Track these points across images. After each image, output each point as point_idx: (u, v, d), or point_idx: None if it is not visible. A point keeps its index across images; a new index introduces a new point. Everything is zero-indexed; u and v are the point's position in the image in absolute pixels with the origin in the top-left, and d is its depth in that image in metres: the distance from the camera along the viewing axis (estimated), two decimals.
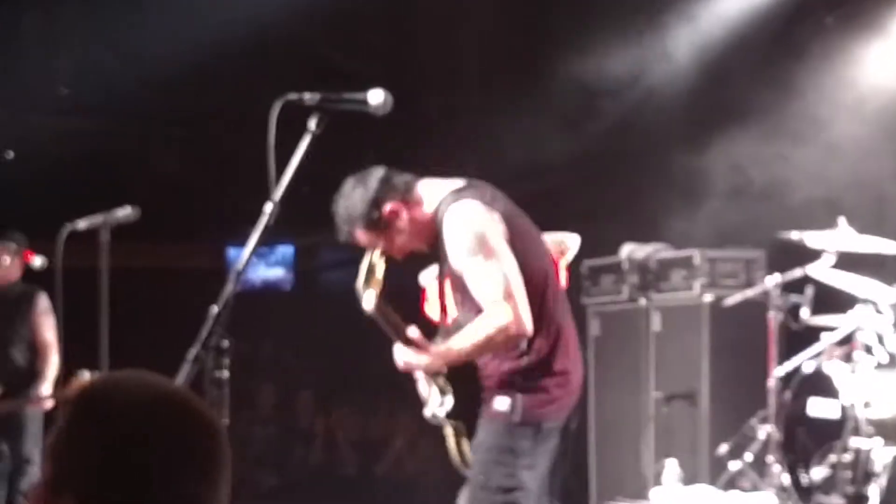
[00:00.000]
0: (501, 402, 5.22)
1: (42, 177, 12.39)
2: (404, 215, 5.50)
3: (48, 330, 9.01)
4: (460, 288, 5.33)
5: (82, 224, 7.63)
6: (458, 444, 5.65)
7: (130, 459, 2.06)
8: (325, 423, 14.58)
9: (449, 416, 5.62)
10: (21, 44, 11.81)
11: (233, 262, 8.51)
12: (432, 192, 5.47)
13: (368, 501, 13.20)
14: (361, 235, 5.63)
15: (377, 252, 5.57)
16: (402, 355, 5.55)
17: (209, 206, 14.41)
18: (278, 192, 4.33)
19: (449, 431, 5.70)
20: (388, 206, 5.50)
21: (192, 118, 13.15)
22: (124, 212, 7.17)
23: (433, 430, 13.87)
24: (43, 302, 8.98)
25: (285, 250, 17.51)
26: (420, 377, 5.74)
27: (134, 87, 11.30)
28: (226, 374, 4.24)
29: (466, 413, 5.60)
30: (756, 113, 9.77)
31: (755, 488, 8.52)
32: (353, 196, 5.65)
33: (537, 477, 5.21)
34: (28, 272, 8.96)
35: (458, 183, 5.46)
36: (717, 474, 8.91)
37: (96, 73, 11.69)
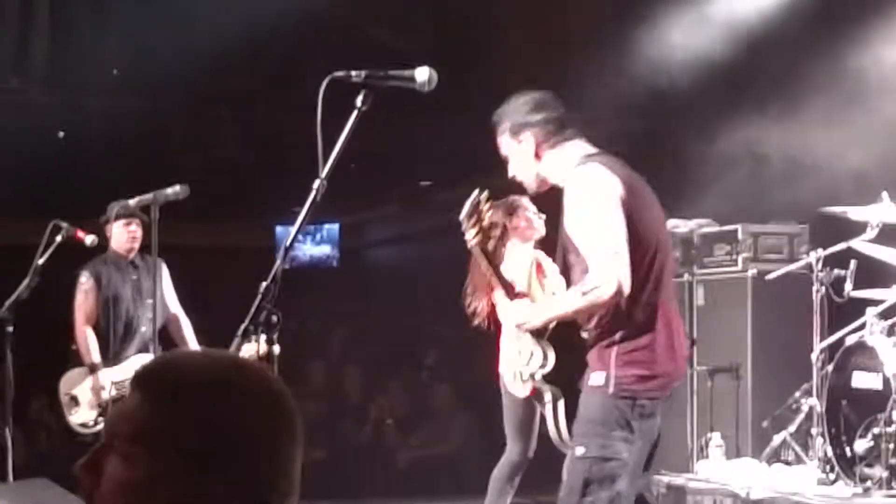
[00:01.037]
0: (598, 377, 5.22)
1: (93, 156, 12.54)
2: (544, 150, 5.49)
3: (175, 298, 9.11)
4: (573, 247, 5.33)
5: (133, 202, 7.75)
6: (555, 410, 5.70)
7: (235, 437, 2.04)
8: (373, 399, 14.68)
9: (546, 379, 5.62)
10: (72, 25, 11.94)
11: (281, 240, 8.59)
12: (572, 152, 5.47)
13: (412, 478, 13.30)
14: (505, 139, 5.62)
15: (484, 193, 5.64)
16: (509, 312, 5.58)
17: (258, 185, 14.53)
18: (326, 170, 4.38)
19: (547, 397, 5.71)
20: (538, 132, 5.49)
21: (242, 97, 13.27)
22: (174, 190, 7.29)
23: (476, 407, 13.91)
24: (166, 270, 9.02)
25: (331, 228, 17.65)
26: (511, 335, 5.71)
27: (184, 67, 11.40)
28: (276, 348, 4.31)
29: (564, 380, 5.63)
30: (801, 88, 9.79)
31: (799, 461, 8.58)
32: (526, 101, 5.62)
33: (635, 452, 5.19)
34: (99, 248, 8.88)
35: (592, 149, 5.47)
36: (760, 447, 8.97)
37: (147, 53, 11.81)
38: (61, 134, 13.38)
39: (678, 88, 10.82)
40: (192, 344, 8.92)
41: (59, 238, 7.82)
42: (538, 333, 5.60)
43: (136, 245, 8.86)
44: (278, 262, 4.34)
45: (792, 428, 8.71)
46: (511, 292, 5.66)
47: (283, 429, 2.11)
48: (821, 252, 8.65)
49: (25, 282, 7.69)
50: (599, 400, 5.22)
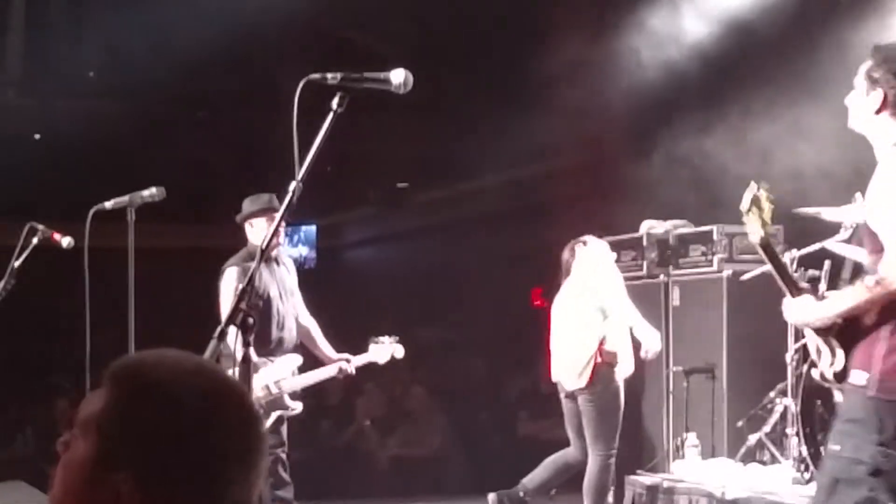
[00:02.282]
0: (859, 375, 4.98)
1: (69, 158, 12.53)
2: (884, 111, 5.26)
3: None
4: (869, 230, 5.10)
5: (108, 204, 7.75)
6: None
7: (196, 445, 2.11)
8: (357, 401, 14.70)
9: (837, 377, 5.27)
10: (48, 28, 11.93)
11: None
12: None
13: (391, 480, 13.32)
14: (863, 84, 5.43)
15: (763, 185, 5.46)
16: (792, 310, 5.36)
17: (236, 187, 14.52)
18: (302, 172, 4.40)
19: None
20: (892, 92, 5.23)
21: (219, 100, 13.28)
22: (150, 192, 7.29)
23: (454, 408, 13.88)
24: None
25: (308, 229, 17.67)
26: (809, 334, 5.44)
27: (160, 69, 11.41)
28: (251, 350, 4.31)
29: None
30: (774, 90, 9.85)
31: (774, 460, 8.63)
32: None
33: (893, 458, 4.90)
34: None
35: None
36: (736, 447, 9.01)
37: (123, 56, 11.81)
38: (37, 136, 13.37)
39: (657, 89, 10.88)
40: (325, 345, 9.21)
41: (35, 240, 7.81)
42: (825, 331, 5.27)
43: (280, 241, 9.06)
44: (254, 265, 4.33)
45: (767, 428, 8.76)
46: (796, 289, 5.36)
47: (243, 450, 2.16)
48: (795, 252, 8.71)
49: (1, 284, 7.69)
50: (859, 400, 4.98)
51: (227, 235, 16.37)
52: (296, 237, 17.88)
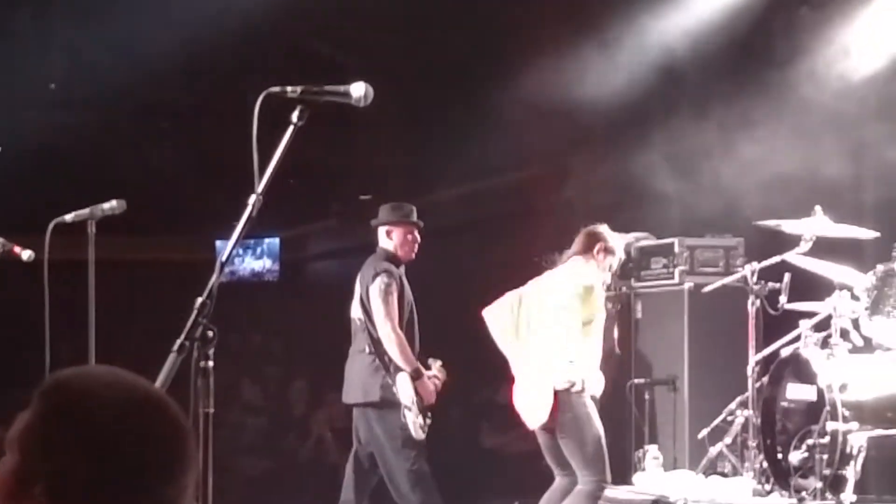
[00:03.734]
0: None
1: (31, 170, 12.46)
2: None
3: None
4: None
5: (69, 217, 7.72)
6: None
7: (108, 460, 2.14)
8: (316, 413, 14.67)
9: None
10: (10, 39, 11.88)
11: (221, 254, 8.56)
12: None
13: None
14: None
15: None
16: None
17: (198, 200, 14.49)
18: (262, 185, 4.40)
19: None
20: None
21: (181, 112, 13.24)
22: (111, 205, 7.26)
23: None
24: None
25: (271, 241, 17.64)
26: None
27: (123, 81, 11.37)
28: (210, 363, 4.29)
29: None
30: (735, 103, 9.91)
31: (735, 472, 8.66)
32: None
33: None
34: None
35: None
36: (697, 459, 9.04)
37: (86, 68, 11.76)
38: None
39: (619, 104, 10.91)
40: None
41: None
42: None
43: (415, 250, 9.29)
44: (214, 276, 4.32)
45: (728, 440, 8.79)
46: None
47: (165, 469, 2.19)
48: (755, 265, 8.76)
49: None
50: None
51: (190, 247, 16.39)
52: (259, 249, 17.85)
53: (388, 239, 9.24)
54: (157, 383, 4.11)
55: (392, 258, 9.21)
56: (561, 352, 7.88)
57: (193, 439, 2.25)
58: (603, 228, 8.28)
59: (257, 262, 17.93)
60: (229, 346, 15.35)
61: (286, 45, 11.87)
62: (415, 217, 9.28)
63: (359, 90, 4.55)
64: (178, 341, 4.19)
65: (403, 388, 8.99)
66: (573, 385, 7.88)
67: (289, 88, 4.49)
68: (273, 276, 17.90)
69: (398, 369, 9.04)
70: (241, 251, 17.78)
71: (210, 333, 4.26)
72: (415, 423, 8.99)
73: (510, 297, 8.40)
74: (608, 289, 10.28)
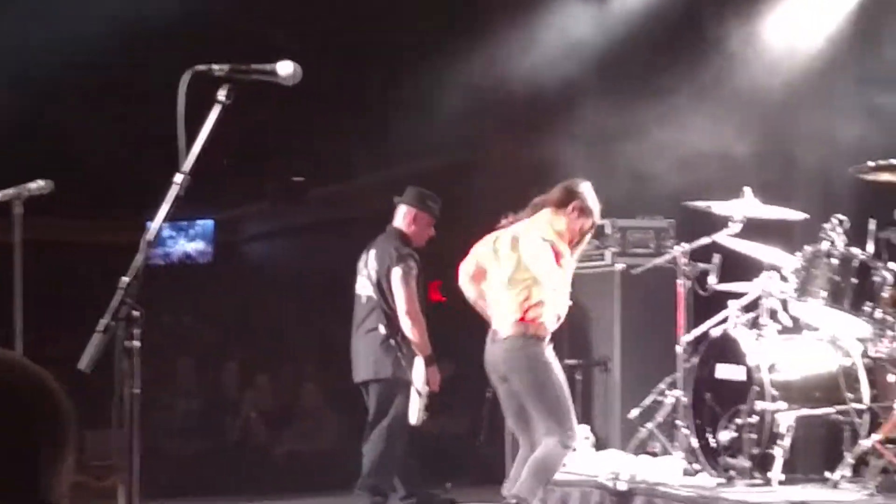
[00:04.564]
0: None
1: None
2: None
3: None
4: None
5: None
6: None
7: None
8: (246, 394, 14.64)
9: None
10: None
11: None
12: None
13: (285, 474, 13.28)
14: None
15: None
16: None
17: (130, 180, 14.39)
18: (188, 163, 4.38)
19: None
20: None
21: (110, 91, 13.12)
22: (38, 185, 7.19)
23: (347, 402, 13.88)
24: None
25: (205, 223, 17.55)
26: None
27: (51, 62, 11.25)
28: (137, 343, 4.26)
29: None
30: (665, 84, 9.95)
31: (665, 452, 8.71)
32: None
33: None
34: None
35: None
36: (628, 439, 9.08)
37: (9, 47, 11.63)
38: None
39: (547, 85, 10.93)
40: None
41: None
42: None
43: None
44: (138, 256, 4.29)
45: (658, 419, 8.84)
46: None
47: (39, 432, 2.15)
48: (686, 246, 8.81)
49: None
50: None
51: (119, 229, 16.27)
52: (192, 231, 17.76)
53: (411, 223, 9.52)
54: (82, 364, 4.08)
55: (408, 241, 9.48)
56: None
57: (73, 424, 2.21)
58: (584, 186, 7.78)
59: (191, 245, 17.85)
60: (162, 328, 15.28)
61: (217, 25, 11.78)
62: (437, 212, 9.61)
63: (286, 69, 4.54)
64: (103, 322, 4.16)
65: (418, 373, 9.15)
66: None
67: (215, 66, 4.47)
68: (207, 258, 17.82)
69: (412, 353, 9.21)
70: (174, 233, 17.69)
71: (136, 314, 4.23)
72: (420, 408, 9.14)
73: (478, 248, 7.91)
74: None
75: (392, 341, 9.27)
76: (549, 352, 7.59)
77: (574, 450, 7.71)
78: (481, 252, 7.81)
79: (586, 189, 7.74)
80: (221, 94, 4.47)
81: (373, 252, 9.55)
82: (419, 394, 9.08)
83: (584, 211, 7.67)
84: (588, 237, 7.91)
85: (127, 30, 10.87)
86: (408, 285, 9.23)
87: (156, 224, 4.54)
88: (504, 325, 7.52)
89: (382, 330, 9.30)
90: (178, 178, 4.38)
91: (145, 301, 4.25)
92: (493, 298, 7.70)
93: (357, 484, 9.55)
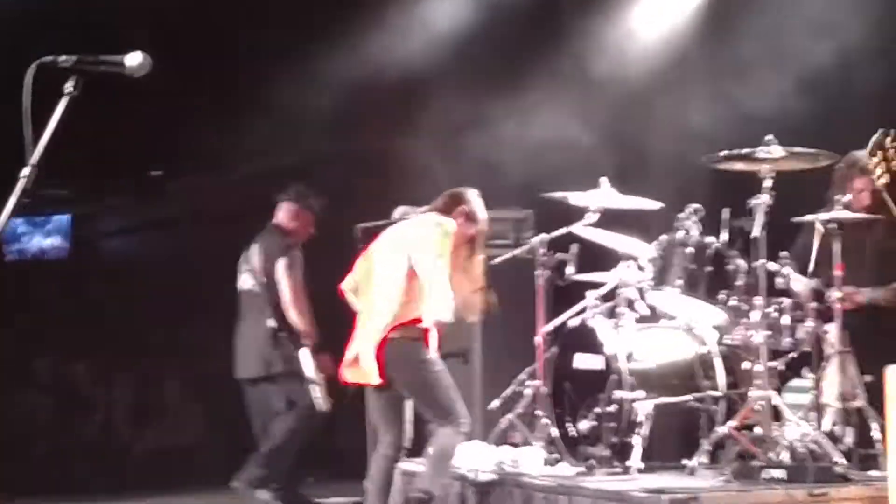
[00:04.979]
0: None
1: None
2: None
3: None
4: None
5: None
6: None
7: None
8: (103, 392, 14.45)
9: None
10: None
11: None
12: None
13: (146, 472, 13.15)
14: None
15: (891, 131, 5.31)
16: None
17: None
18: (35, 156, 4.32)
19: None
20: None
21: None
22: None
23: (209, 398, 13.74)
24: None
25: (60, 218, 17.24)
26: None
27: None
28: None
29: None
30: (521, 74, 9.99)
31: (525, 442, 8.73)
32: None
33: None
34: None
35: None
36: (489, 430, 9.09)
37: None
38: None
39: (415, 76, 10.93)
40: None
41: None
42: None
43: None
44: None
45: (518, 410, 8.86)
46: None
47: None
48: (544, 236, 8.84)
49: None
50: None
51: None
52: (48, 227, 17.44)
53: (292, 219, 9.84)
54: None
55: (289, 237, 9.78)
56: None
57: None
58: (470, 193, 7.89)
59: (46, 240, 17.53)
60: (17, 326, 15.00)
61: (69, 15, 11.59)
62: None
63: (134, 59, 4.49)
64: None
65: (307, 362, 9.33)
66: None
67: (62, 58, 4.42)
68: (62, 254, 17.53)
69: (299, 343, 9.37)
70: (30, 228, 17.38)
71: None
72: (322, 395, 9.37)
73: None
74: None
75: (282, 334, 9.35)
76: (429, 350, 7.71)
77: (466, 435, 7.82)
78: (360, 269, 7.90)
79: (472, 195, 7.89)
80: (69, 86, 4.41)
81: (255, 247, 9.68)
82: (314, 382, 9.17)
83: (470, 216, 7.84)
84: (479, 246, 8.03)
85: None
86: (293, 275, 9.44)
87: (3, 217, 4.46)
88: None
89: (271, 324, 9.39)
90: (26, 171, 4.31)
91: None
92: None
93: (238, 476, 9.53)
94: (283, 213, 9.80)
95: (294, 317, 9.40)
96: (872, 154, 5.69)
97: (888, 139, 5.64)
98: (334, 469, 11.58)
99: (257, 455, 9.61)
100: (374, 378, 7.68)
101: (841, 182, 8.10)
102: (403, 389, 7.78)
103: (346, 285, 7.98)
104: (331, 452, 12.05)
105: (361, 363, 7.69)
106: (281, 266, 9.47)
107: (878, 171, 5.63)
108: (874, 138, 5.71)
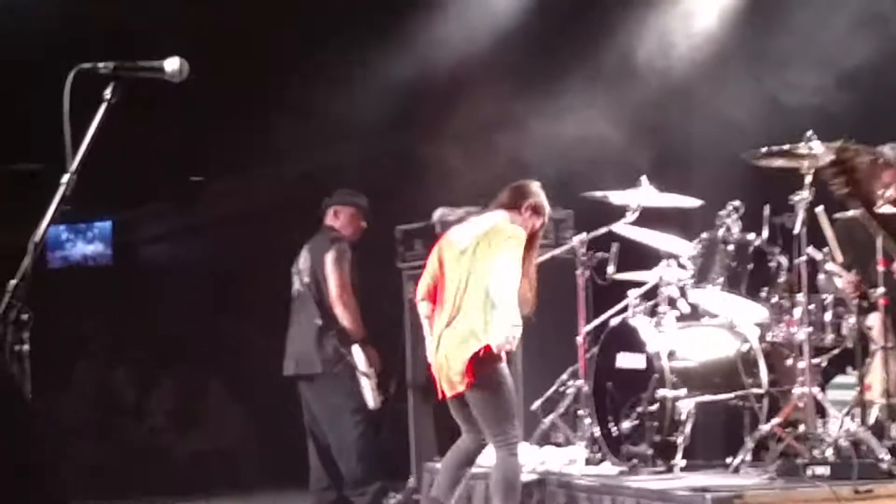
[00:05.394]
0: None
1: None
2: None
3: None
4: None
5: None
6: None
7: None
8: (146, 398, 14.52)
9: None
10: None
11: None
12: None
13: (189, 476, 13.19)
14: None
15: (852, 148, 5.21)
16: None
17: (19, 181, 14.19)
18: (75, 163, 4.33)
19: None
20: None
21: None
22: None
23: (251, 400, 13.77)
24: None
25: (103, 225, 17.35)
26: None
27: None
28: (26, 347, 4.20)
29: None
30: (560, 76, 9.98)
31: (568, 442, 8.74)
32: None
33: None
34: None
35: None
36: (531, 430, 9.09)
37: None
38: None
39: (446, 78, 10.93)
40: None
41: None
42: None
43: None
44: (26, 259, 4.22)
45: (560, 410, 8.85)
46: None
47: None
48: (584, 236, 8.83)
49: None
50: None
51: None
52: (90, 234, 17.55)
53: (338, 218, 9.80)
54: None
55: (339, 235, 9.72)
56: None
57: None
58: (535, 185, 7.79)
59: (89, 247, 17.65)
60: (62, 332, 15.09)
61: (104, 22, 11.62)
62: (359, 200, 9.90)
63: (173, 65, 4.50)
64: None
65: (358, 356, 9.36)
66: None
67: (101, 64, 4.43)
68: (105, 261, 17.63)
69: (349, 339, 9.40)
70: (72, 236, 17.49)
71: (25, 317, 4.17)
72: (372, 390, 9.36)
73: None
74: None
75: (330, 332, 9.39)
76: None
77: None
78: (433, 265, 7.65)
79: (536, 186, 7.80)
80: (107, 93, 4.42)
81: (305, 249, 9.71)
82: (367, 377, 9.21)
83: (537, 209, 7.71)
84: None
85: (12, 28, 10.70)
86: (341, 269, 9.46)
87: (43, 225, 4.48)
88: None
89: (318, 321, 9.43)
90: (65, 178, 4.32)
91: (41, 305, 4.20)
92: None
93: (342, 486, 9.57)
94: (332, 216, 9.82)
95: (339, 311, 9.41)
96: (833, 163, 5.38)
97: (849, 145, 5.41)
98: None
99: (343, 459, 9.59)
100: (460, 386, 7.38)
101: (868, 177, 8.02)
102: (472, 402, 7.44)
103: (420, 294, 7.70)
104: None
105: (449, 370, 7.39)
106: (329, 259, 9.48)
107: (838, 181, 5.38)
108: (837, 145, 5.45)
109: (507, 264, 7.25)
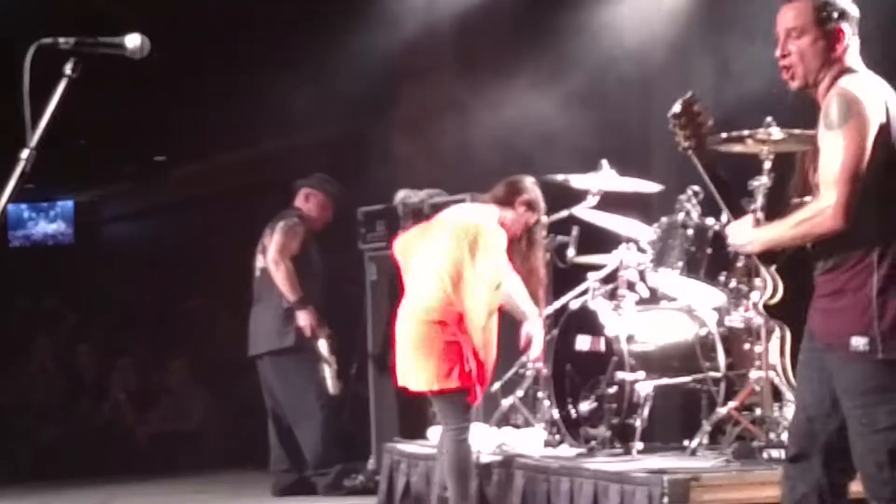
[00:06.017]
0: (856, 342, 4.69)
1: None
2: (840, 45, 4.93)
3: None
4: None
5: None
6: (782, 349, 5.24)
7: None
8: (107, 376, 14.49)
9: (771, 312, 5.18)
10: None
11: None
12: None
13: (151, 455, 13.17)
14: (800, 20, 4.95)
15: (699, 103, 5.19)
16: (732, 232, 5.16)
17: None
18: (34, 139, 4.32)
19: (776, 333, 5.35)
20: (843, 25, 4.93)
21: None
22: None
23: (214, 381, 13.76)
24: None
25: (65, 204, 17.33)
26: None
27: None
28: None
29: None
30: (519, 59, 10.00)
31: (527, 424, 8.76)
32: None
33: None
34: None
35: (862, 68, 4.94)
36: (490, 412, 9.11)
37: None
38: None
39: (406, 61, 10.94)
40: None
41: None
42: (765, 260, 5.13)
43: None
44: None
45: (520, 392, 8.88)
46: (738, 210, 5.15)
47: None
48: (545, 219, 8.84)
49: None
50: (868, 369, 4.71)
51: None
52: (52, 212, 17.53)
53: (306, 202, 9.97)
54: None
55: (302, 217, 9.88)
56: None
57: None
58: (529, 181, 7.89)
59: (51, 226, 17.63)
60: (23, 310, 15.04)
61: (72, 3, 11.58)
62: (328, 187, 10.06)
63: (134, 41, 4.49)
64: None
65: (322, 343, 9.55)
66: None
67: (61, 39, 4.41)
68: (67, 240, 17.62)
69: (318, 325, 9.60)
70: (34, 214, 17.44)
71: None
72: (332, 378, 9.54)
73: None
74: None
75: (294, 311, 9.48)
76: None
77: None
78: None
79: (531, 182, 7.88)
80: (68, 68, 4.42)
81: (268, 228, 9.75)
82: (328, 364, 9.26)
83: (532, 205, 7.83)
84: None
85: None
86: (285, 236, 9.48)
87: (2, 201, 4.47)
88: None
89: (285, 303, 9.49)
90: (24, 153, 4.31)
91: (2, 283, 4.20)
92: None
93: (303, 467, 9.62)
94: (302, 199, 9.85)
95: (272, 272, 9.51)
96: (678, 116, 5.37)
97: (695, 100, 5.38)
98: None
99: (306, 439, 9.65)
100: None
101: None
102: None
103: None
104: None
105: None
106: (278, 227, 9.56)
107: (682, 134, 5.36)
108: (681, 99, 5.40)
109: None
